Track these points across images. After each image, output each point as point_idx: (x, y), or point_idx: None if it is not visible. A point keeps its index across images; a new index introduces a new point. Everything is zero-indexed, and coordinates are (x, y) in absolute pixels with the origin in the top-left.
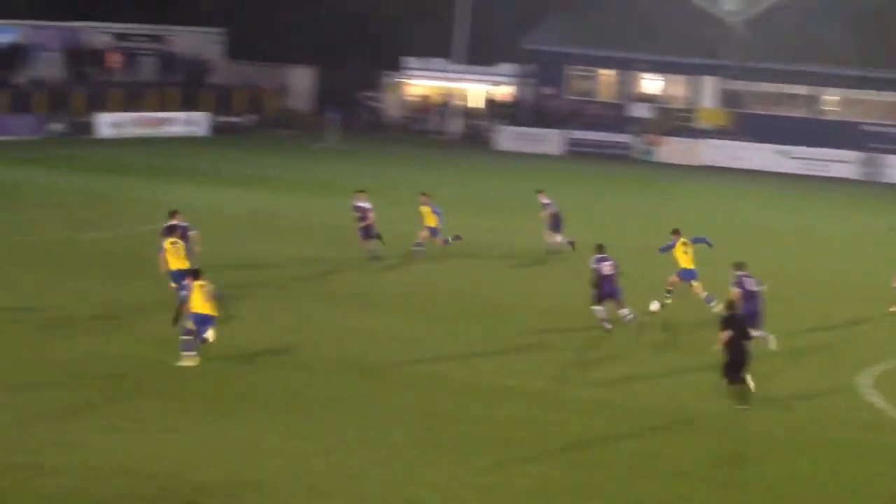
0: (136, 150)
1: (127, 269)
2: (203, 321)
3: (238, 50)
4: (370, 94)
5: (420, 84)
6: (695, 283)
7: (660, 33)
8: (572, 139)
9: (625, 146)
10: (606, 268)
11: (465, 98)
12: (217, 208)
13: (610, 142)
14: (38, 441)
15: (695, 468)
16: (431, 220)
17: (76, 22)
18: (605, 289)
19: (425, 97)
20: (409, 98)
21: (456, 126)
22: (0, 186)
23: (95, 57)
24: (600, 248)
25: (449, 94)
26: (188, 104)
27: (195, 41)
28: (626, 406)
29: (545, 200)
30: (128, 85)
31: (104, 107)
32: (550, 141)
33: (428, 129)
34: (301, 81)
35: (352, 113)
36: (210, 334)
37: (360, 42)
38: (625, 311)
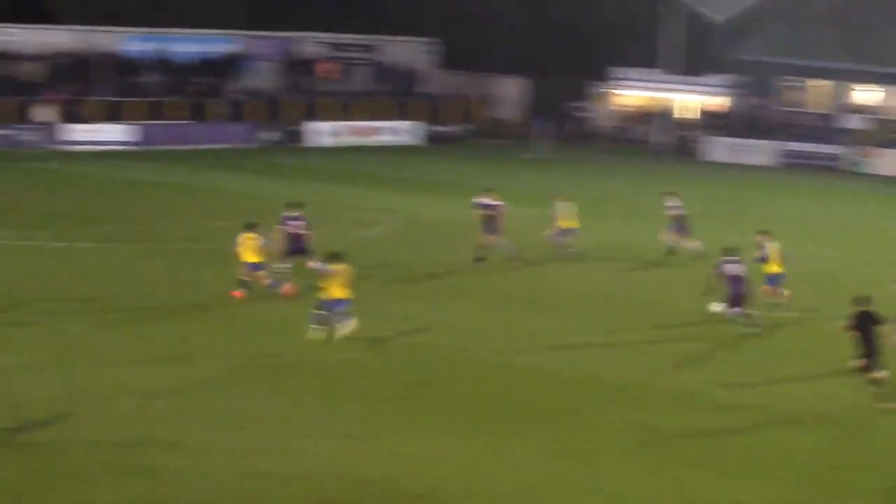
0: (347, 158)
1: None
2: (336, 303)
3: (449, 59)
4: (578, 104)
5: (629, 94)
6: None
7: (874, 44)
8: (784, 150)
9: (834, 157)
10: (734, 269)
11: (674, 108)
12: (422, 216)
13: (821, 153)
14: (252, 446)
15: None
16: (565, 222)
17: (291, 32)
18: (733, 289)
19: (634, 107)
20: (618, 108)
21: (665, 136)
22: (218, 193)
23: (309, 67)
24: (730, 251)
25: (658, 105)
26: (399, 114)
27: (407, 51)
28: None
29: (671, 203)
30: (340, 94)
31: (317, 116)
32: (762, 152)
33: (636, 139)
34: (510, 91)
35: (560, 123)
36: (348, 326)
37: (568, 52)
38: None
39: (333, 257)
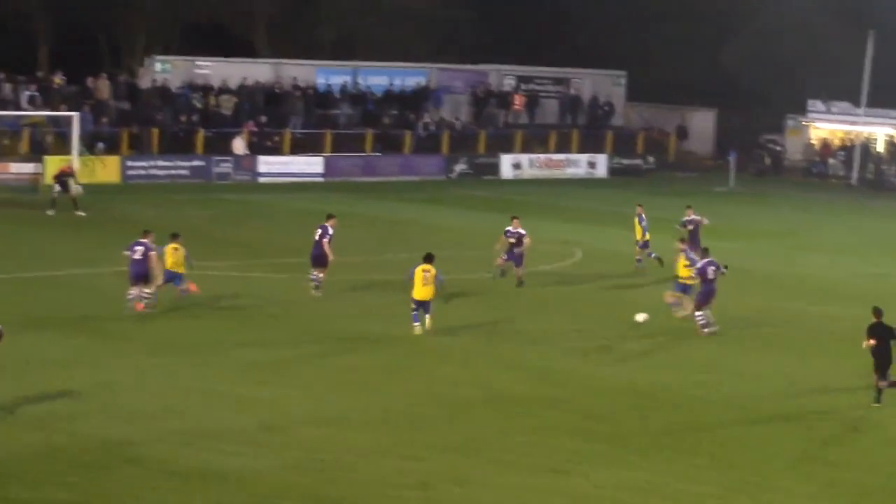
0: (536, 190)
1: (520, 303)
2: (421, 304)
3: (638, 92)
4: (770, 136)
5: (825, 126)
6: None
7: None
8: None
9: None
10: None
11: (873, 142)
12: (609, 248)
13: None
14: (429, 474)
15: None
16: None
17: (481, 65)
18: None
19: (830, 140)
20: (814, 141)
21: (862, 170)
22: (412, 226)
23: (500, 99)
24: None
25: (855, 138)
26: (588, 146)
27: (597, 83)
28: None
29: (690, 216)
30: (530, 126)
31: (506, 148)
32: None
33: (831, 173)
34: (700, 123)
35: (751, 156)
36: (427, 322)
37: (760, 84)
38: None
39: (427, 258)
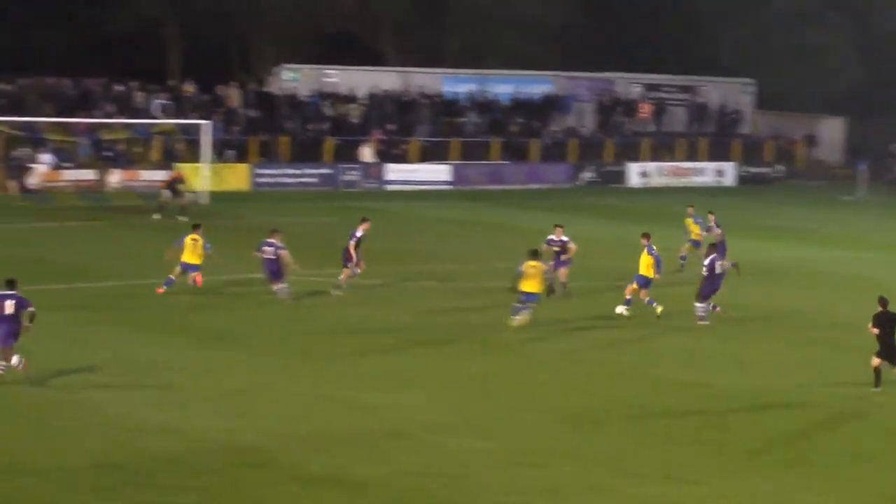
0: (662, 199)
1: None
2: (529, 297)
3: (766, 100)
4: None
5: None
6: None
7: None
8: None
9: None
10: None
11: None
12: (737, 258)
13: None
14: (557, 481)
15: None
16: (696, 233)
17: (608, 73)
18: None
19: None
20: None
21: None
22: (537, 235)
23: (627, 107)
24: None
25: None
26: (717, 154)
27: (724, 91)
28: None
29: (712, 224)
30: (657, 135)
31: (633, 156)
32: None
33: None
34: (830, 132)
35: (882, 164)
36: (521, 318)
37: (891, 92)
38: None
39: (533, 254)
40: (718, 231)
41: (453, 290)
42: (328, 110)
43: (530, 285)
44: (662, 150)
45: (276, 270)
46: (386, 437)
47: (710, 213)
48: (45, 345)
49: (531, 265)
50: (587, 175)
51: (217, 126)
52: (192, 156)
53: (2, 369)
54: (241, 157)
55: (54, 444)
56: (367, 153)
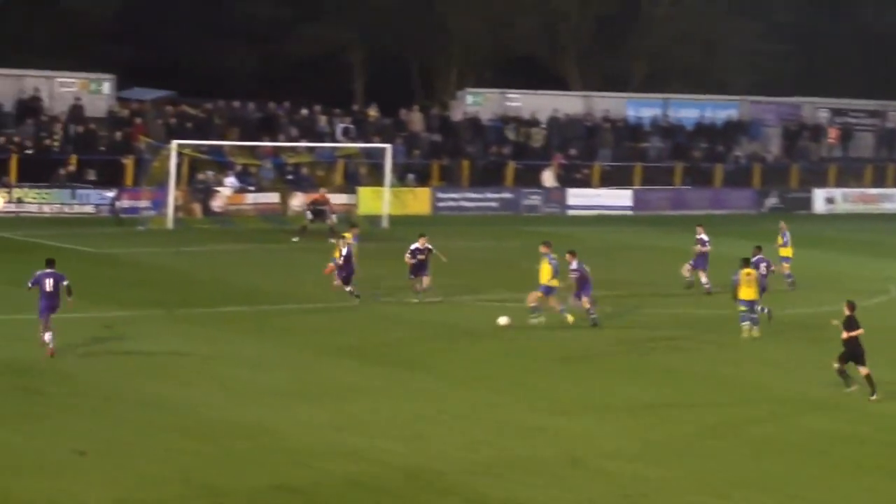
0: (850, 225)
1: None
2: (749, 304)
3: None
4: None
5: None
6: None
7: None
8: None
9: None
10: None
11: None
12: None
13: None
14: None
15: None
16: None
17: (794, 98)
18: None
19: None
20: None
21: None
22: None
23: (812, 132)
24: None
25: None
26: None
27: None
28: None
29: (704, 237)
30: (844, 160)
31: (820, 182)
32: None
33: None
34: None
35: None
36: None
37: None
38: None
39: (746, 262)
40: (698, 248)
41: (635, 316)
42: (510, 134)
43: (747, 293)
44: (849, 176)
45: (420, 266)
46: (563, 464)
47: (699, 225)
48: (226, 368)
49: (746, 273)
50: (771, 201)
51: (399, 150)
52: (374, 179)
53: (49, 342)
54: (423, 181)
55: (238, 466)
56: (548, 178)
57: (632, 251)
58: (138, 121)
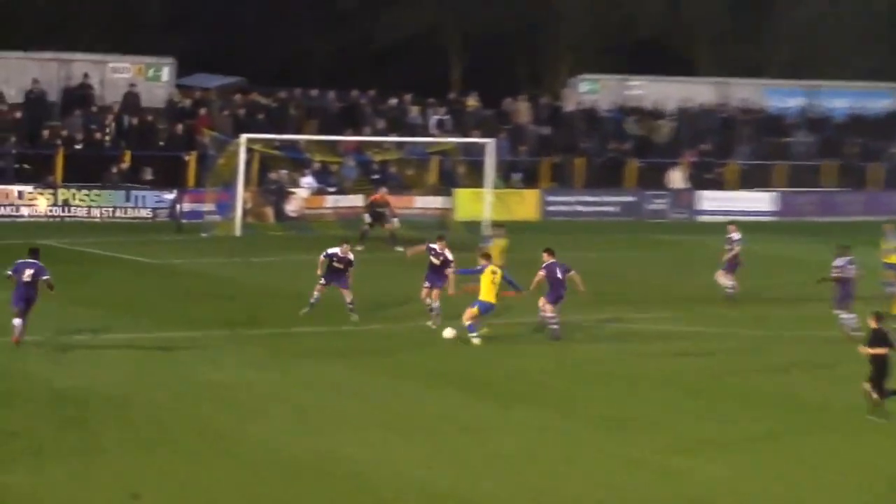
0: None
1: None
2: None
3: None
4: None
5: None
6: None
7: None
8: None
9: None
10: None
11: None
12: None
13: None
14: None
15: None
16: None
17: None
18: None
19: None
20: None
21: None
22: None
23: None
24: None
25: None
26: None
27: None
28: None
29: (735, 236)
30: None
31: None
32: None
33: None
34: None
35: None
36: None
37: None
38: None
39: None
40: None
41: (781, 340)
42: (632, 128)
43: None
44: None
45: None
46: None
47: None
48: (300, 395)
49: None
50: None
51: (503, 145)
52: (474, 180)
53: (18, 328)
54: (530, 182)
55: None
56: (676, 178)
57: (776, 263)
58: (202, 111)
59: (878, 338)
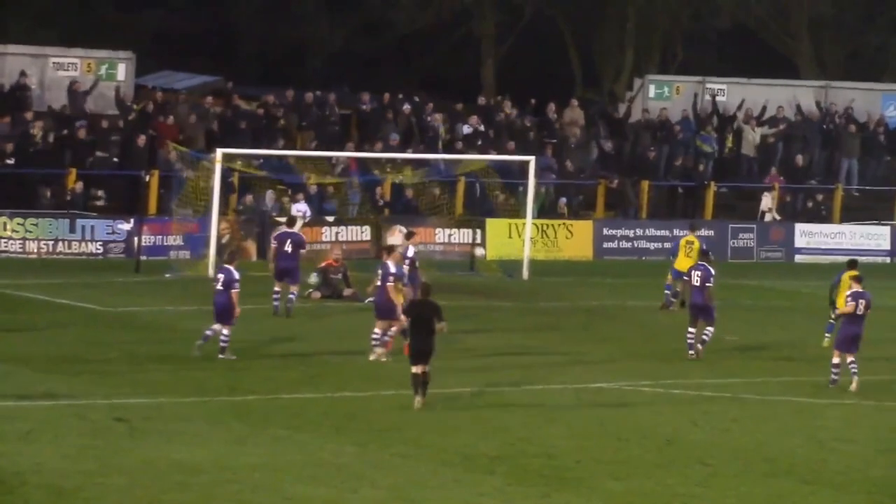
0: None
1: None
2: None
3: None
4: None
5: None
6: None
7: None
8: None
9: None
10: None
11: None
12: None
13: None
14: None
15: None
16: None
17: None
18: None
19: None
20: None
21: None
22: None
23: None
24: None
25: None
26: None
27: None
28: None
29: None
30: None
31: None
32: None
33: None
34: None
35: None
36: None
37: None
38: None
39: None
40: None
41: None
42: (712, 143)
43: None
44: None
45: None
46: None
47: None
48: (293, 483)
49: None
50: None
51: (547, 163)
52: (511, 207)
53: None
54: (582, 210)
55: None
56: (767, 205)
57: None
58: (167, 119)
59: None
